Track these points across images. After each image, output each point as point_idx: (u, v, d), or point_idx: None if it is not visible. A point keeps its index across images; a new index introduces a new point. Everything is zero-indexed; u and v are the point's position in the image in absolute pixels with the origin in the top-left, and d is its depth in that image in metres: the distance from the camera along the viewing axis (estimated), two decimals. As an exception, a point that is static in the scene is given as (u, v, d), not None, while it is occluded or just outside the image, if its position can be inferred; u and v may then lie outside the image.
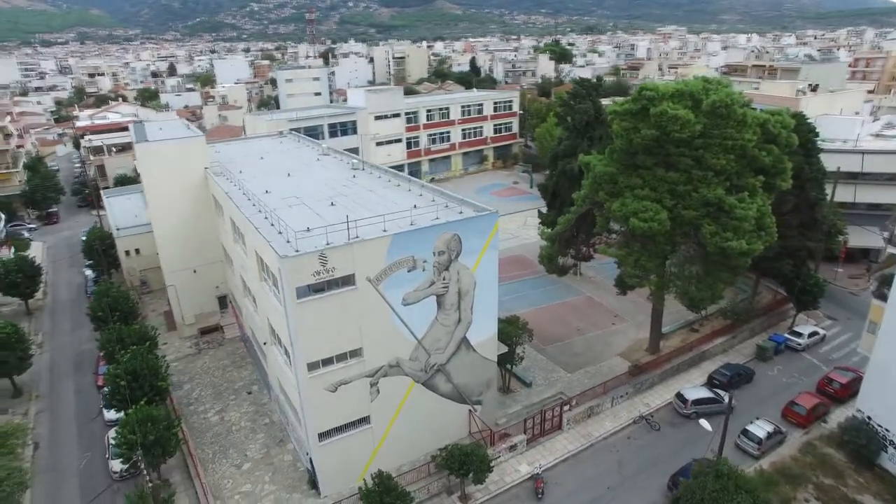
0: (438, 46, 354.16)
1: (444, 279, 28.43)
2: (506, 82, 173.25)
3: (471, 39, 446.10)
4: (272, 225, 29.13)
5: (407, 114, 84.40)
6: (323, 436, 27.87)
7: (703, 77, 32.50)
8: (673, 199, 30.07)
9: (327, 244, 25.60)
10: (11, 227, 68.65)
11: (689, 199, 29.71)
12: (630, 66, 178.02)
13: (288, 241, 26.48)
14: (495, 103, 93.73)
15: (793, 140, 31.57)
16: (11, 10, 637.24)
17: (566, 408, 33.39)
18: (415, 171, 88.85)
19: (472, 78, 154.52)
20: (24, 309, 49.66)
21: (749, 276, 46.88)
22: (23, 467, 29.10)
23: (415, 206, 30.69)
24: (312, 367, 26.31)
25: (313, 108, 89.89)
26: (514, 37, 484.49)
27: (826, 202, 44.53)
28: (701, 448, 29.26)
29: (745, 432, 31.84)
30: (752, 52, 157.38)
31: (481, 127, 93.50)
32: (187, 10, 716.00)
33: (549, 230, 37.64)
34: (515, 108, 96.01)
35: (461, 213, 29.83)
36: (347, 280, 25.86)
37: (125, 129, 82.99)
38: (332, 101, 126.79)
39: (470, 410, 32.35)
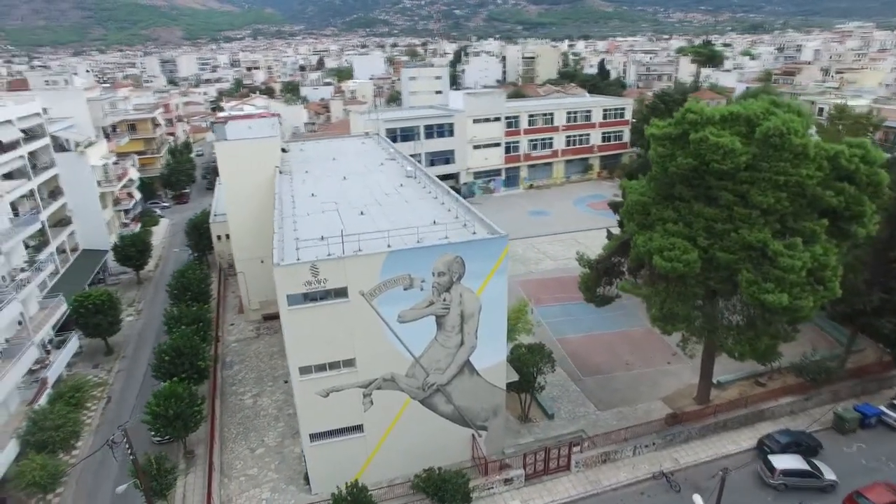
0: (580, 46, 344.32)
1: (444, 300, 27.96)
2: (637, 86, 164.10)
3: (618, 39, 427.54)
4: (295, 230, 30.74)
5: (507, 118, 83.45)
6: (314, 437, 28.97)
7: (770, 98, 28.30)
8: (709, 238, 26.67)
9: (329, 255, 26.53)
10: (150, 203, 79.40)
11: (727, 240, 26.15)
12: (784, 72, 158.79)
13: (297, 248, 27.82)
14: (605, 110, 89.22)
15: (880, 178, 26.35)
16: (206, 12, 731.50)
17: (576, 448, 31.24)
18: (513, 175, 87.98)
19: (598, 81, 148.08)
20: (136, 279, 57.29)
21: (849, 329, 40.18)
22: (79, 419, 33.61)
23: (434, 222, 30.65)
24: (304, 370, 27.40)
25: (414, 108, 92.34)
26: (666, 36, 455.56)
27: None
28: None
29: (780, 515, 27.53)
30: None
31: (588, 134, 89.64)
32: (346, 7, 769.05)
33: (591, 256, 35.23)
34: (628, 116, 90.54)
35: (474, 233, 29.08)
36: (340, 292, 26.47)
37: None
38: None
39: (473, 435, 31.59)
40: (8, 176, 45.99)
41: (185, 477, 32.19)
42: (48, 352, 38.86)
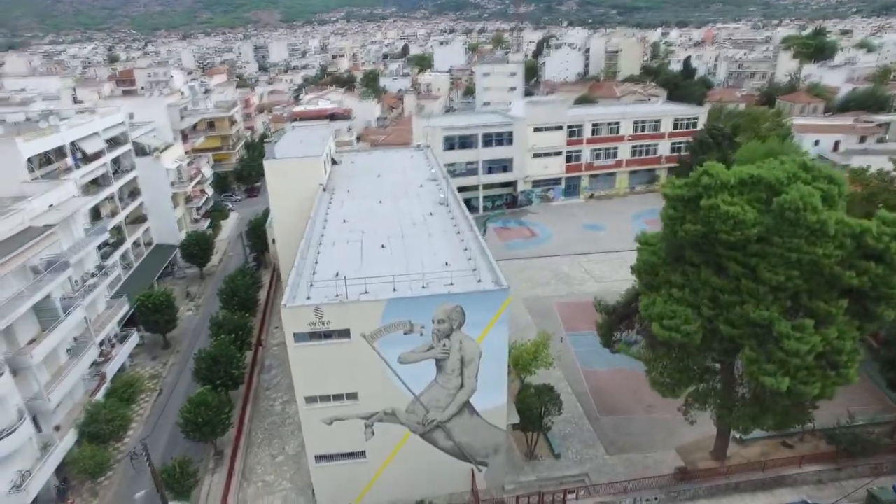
0: (674, 34, 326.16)
1: (444, 345, 28.89)
2: (727, 85, 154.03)
3: (718, 25, 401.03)
4: (316, 262, 32.68)
5: (570, 126, 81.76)
6: (319, 458, 31.09)
7: (802, 160, 26.58)
8: (713, 309, 25.73)
9: (337, 295, 28.22)
10: (223, 196, 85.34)
11: (732, 313, 25.14)
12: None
13: (311, 286, 29.69)
14: (675, 120, 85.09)
15: (915, 259, 24.24)
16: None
17: (572, 495, 31.39)
18: (573, 185, 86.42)
19: (681, 80, 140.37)
20: (199, 274, 62.35)
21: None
22: (128, 414, 37.78)
23: (446, 264, 31.53)
24: (310, 400, 29.45)
25: (483, 109, 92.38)
26: (775, 22, 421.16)
27: None
28: None
29: None
30: None
31: (656, 144, 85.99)
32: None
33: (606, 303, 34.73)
34: (700, 125, 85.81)
35: (479, 281, 29.63)
36: (343, 333, 28.06)
37: (325, 117, 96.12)
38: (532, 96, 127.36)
39: (472, 470, 32.51)
40: (94, 181, 51.47)
41: (212, 476, 35.51)
42: (112, 346, 43.61)
